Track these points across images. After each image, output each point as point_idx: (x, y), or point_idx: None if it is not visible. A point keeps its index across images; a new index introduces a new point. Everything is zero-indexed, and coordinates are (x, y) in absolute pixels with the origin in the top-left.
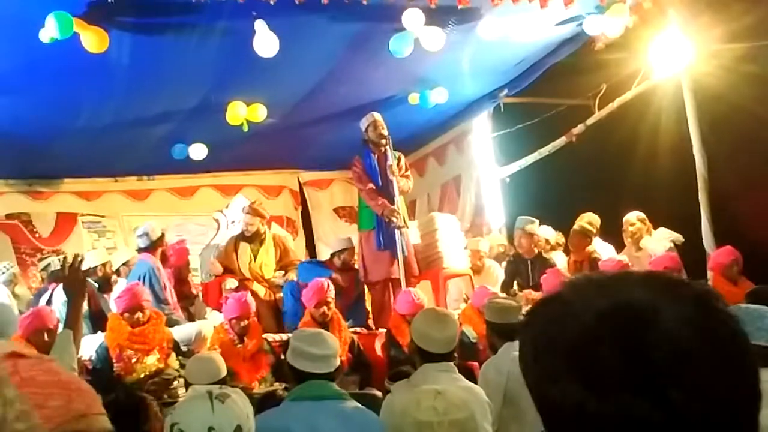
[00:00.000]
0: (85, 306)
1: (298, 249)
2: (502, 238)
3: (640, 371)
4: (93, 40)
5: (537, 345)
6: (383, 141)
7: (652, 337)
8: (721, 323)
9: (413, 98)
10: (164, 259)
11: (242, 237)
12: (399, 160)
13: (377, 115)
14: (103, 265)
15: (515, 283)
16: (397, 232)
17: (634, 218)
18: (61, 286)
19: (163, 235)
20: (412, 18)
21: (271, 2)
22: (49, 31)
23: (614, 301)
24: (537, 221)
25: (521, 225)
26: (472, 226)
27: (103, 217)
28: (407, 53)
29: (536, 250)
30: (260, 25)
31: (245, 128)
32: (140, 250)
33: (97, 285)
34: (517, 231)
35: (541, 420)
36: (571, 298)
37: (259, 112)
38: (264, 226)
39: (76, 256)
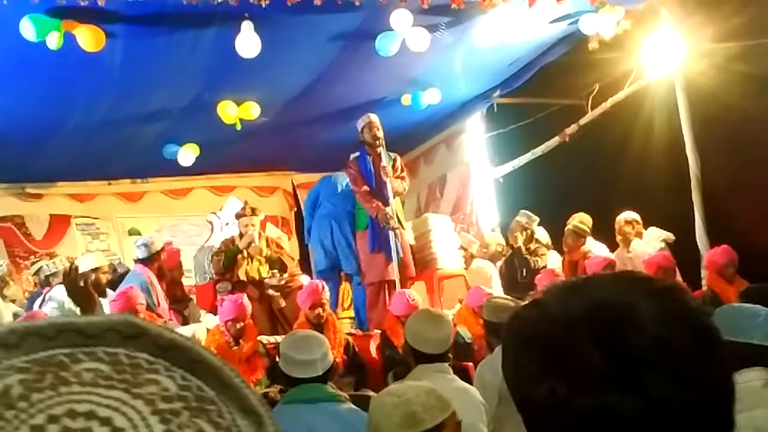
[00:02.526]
0: (77, 311)
1: (292, 250)
2: (500, 237)
3: (619, 365)
4: (89, 38)
5: (517, 346)
6: (377, 142)
7: (629, 331)
8: (692, 316)
9: (406, 99)
10: (161, 274)
11: (240, 237)
12: (395, 161)
13: (373, 116)
14: (95, 270)
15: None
16: (391, 233)
17: (623, 221)
18: (53, 290)
19: (162, 248)
20: (400, 18)
21: (263, 4)
22: (27, 33)
23: (589, 299)
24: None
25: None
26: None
27: (96, 219)
28: (393, 52)
29: (520, 246)
30: (246, 26)
31: (238, 126)
32: (138, 261)
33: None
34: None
35: (522, 420)
36: (548, 300)
37: (252, 110)
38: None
39: (71, 265)
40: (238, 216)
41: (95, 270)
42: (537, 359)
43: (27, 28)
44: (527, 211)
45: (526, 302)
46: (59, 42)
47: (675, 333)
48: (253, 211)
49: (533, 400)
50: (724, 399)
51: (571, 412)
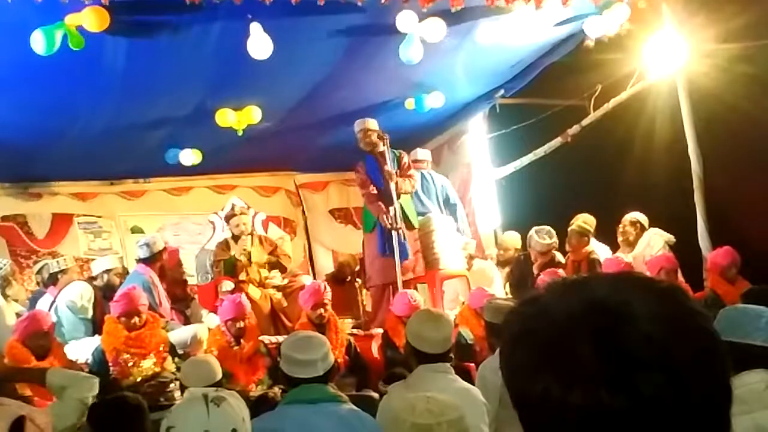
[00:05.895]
0: (90, 310)
1: (297, 249)
2: (518, 241)
3: (612, 363)
4: (92, 19)
5: (514, 342)
6: (375, 148)
7: (625, 329)
8: (689, 317)
9: (409, 103)
10: (163, 273)
11: (233, 239)
12: (400, 158)
13: (369, 122)
14: (107, 271)
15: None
16: (394, 234)
17: (627, 222)
18: (66, 289)
19: (164, 248)
20: (406, 20)
21: (267, 2)
22: (37, 47)
23: (586, 298)
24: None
25: (545, 240)
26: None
27: (99, 217)
28: (418, 57)
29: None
30: (255, 28)
31: (240, 132)
32: (139, 260)
33: (101, 292)
34: (540, 244)
35: (518, 416)
36: (547, 298)
37: (252, 114)
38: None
39: None
40: (228, 217)
41: (108, 271)
42: (532, 355)
43: (38, 42)
44: (551, 231)
45: (524, 299)
46: (79, 42)
47: (670, 333)
48: (242, 210)
49: (527, 395)
50: (719, 400)
51: (564, 408)
